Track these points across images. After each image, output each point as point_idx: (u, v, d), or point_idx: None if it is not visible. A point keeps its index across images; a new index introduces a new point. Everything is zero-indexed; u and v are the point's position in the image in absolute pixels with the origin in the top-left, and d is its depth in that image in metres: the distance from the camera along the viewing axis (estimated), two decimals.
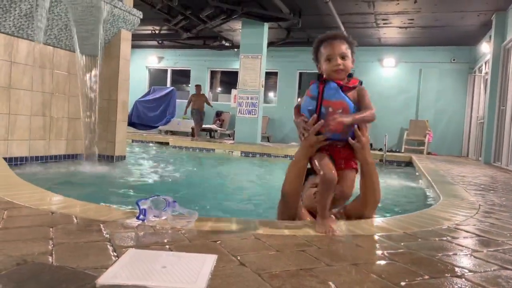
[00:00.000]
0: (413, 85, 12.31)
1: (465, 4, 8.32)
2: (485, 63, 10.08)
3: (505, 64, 8.39)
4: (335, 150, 1.89)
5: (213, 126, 13.15)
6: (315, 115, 1.83)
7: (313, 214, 2.11)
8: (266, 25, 10.54)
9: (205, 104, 11.62)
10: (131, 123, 11.02)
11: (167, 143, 10.42)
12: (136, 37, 9.66)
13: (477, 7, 8.44)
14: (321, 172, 1.81)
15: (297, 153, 1.97)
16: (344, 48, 1.90)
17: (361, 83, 1.92)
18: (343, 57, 1.88)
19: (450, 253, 1.65)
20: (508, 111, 7.75)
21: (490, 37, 9.07)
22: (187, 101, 12.05)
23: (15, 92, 4.80)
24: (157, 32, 12.64)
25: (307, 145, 1.88)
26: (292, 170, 1.99)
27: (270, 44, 11.58)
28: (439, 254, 1.60)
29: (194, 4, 9.50)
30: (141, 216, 1.74)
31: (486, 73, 9.70)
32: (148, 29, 12.44)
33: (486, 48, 9.68)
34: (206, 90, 14.06)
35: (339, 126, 1.77)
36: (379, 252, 1.59)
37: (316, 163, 1.86)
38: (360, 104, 1.84)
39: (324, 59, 1.90)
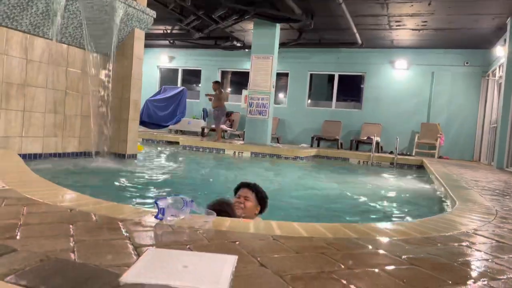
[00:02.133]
0: (425, 88, 12.19)
1: (480, 7, 8.23)
2: (499, 67, 9.96)
3: None
4: None
5: (223, 127, 13.16)
6: None
7: None
8: (278, 26, 10.51)
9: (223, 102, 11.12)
10: (141, 122, 11.03)
11: (177, 143, 10.46)
12: (148, 36, 9.70)
13: (492, 10, 8.34)
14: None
15: None
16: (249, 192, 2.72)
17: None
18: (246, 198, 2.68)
19: (471, 259, 1.62)
20: None
21: (505, 40, 8.96)
22: (199, 100, 12.00)
23: (30, 89, 4.85)
24: (169, 31, 12.69)
25: None
26: None
27: (282, 45, 11.56)
28: (460, 260, 1.58)
29: (207, 4, 9.52)
30: (160, 215, 1.74)
31: (500, 77, 9.58)
32: (160, 29, 12.49)
33: (500, 51, 9.55)
34: None
35: None
36: (398, 257, 1.57)
37: None
38: None
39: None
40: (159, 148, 9.44)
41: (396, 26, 10.10)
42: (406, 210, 4.09)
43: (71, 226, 1.60)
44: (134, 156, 6.13)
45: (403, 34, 10.79)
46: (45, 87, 5.06)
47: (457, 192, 3.85)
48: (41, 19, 4.74)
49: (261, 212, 2.79)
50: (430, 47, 11.84)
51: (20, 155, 4.50)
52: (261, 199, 2.76)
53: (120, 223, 1.70)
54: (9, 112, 4.63)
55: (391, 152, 10.81)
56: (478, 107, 11.66)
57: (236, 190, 2.82)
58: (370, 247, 1.67)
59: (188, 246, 1.47)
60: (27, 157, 4.80)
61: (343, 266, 1.38)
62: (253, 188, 2.77)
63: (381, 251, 1.63)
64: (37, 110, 4.98)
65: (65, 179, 4.01)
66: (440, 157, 11.17)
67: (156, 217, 1.75)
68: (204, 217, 1.82)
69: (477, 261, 1.60)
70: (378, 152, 10.90)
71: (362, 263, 1.44)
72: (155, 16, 6.16)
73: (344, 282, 1.22)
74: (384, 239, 1.83)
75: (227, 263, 1.29)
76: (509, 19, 8.60)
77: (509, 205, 3.25)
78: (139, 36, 6.05)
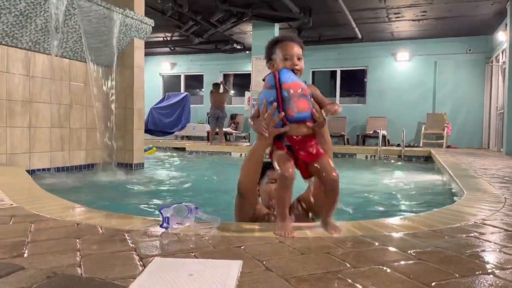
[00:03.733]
0: (428, 78, 12.12)
1: None
2: (502, 52, 9.88)
3: None
4: (294, 141, 1.79)
5: (228, 129, 13.18)
6: (275, 104, 1.76)
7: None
8: (277, 26, 10.53)
9: (224, 104, 11.23)
10: (147, 130, 11.11)
11: (184, 149, 10.50)
12: (148, 44, 9.76)
13: None
14: (279, 171, 1.73)
15: (253, 146, 1.94)
16: (300, 51, 1.90)
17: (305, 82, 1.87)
18: (299, 58, 1.88)
19: (479, 250, 1.61)
20: None
21: (506, 25, 8.88)
22: (203, 105, 12.06)
23: (35, 105, 4.91)
24: (169, 38, 12.76)
25: (264, 136, 1.81)
26: (249, 163, 1.97)
27: None
28: (468, 252, 1.57)
29: (204, 9, 9.56)
30: (165, 224, 1.75)
31: (504, 62, 9.50)
32: (160, 36, 12.56)
33: (502, 36, 9.48)
34: None
35: (336, 113, 1.78)
36: (405, 252, 1.56)
37: (275, 161, 1.79)
38: (318, 98, 1.86)
39: (282, 58, 1.87)
40: (166, 155, 9.48)
41: (395, 18, 10.06)
42: (415, 203, 4.07)
43: (77, 240, 1.62)
44: (141, 165, 6.16)
45: (403, 25, 10.74)
46: (49, 102, 5.11)
47: (466, 181, 3.82)
48: (40, 35, 4.79)
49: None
50: (431, 36, 11.77)
51: (28, 171, 4.55)
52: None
53: (126, 235, 1.71)
54: (15, 129, 4.68)
55: (398, 145, 10.75)
56: (483, 93, 11.57)
57: (271, 49, 1.94)
58: (376, 243, 1.67)
59: (193, 254, 1.47)
60: (35, 172, 4.85)
61: (348, 265, 1.37)
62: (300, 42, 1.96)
63: (387, 247, 1.62)
64: (42, 126, 5.03)
65: (73, 192, 4.05)
66: (448, 147, 11.09)
67: (161, 226, 1.77)
68: (209, 224, 1.82)
69: (485, 252, 1.59)
70: (385, 146, 10.86)
71: (368, 261, 1.44)
72: (153, 24, 6.20)
73: (350, 281, 1.22)
74: (391, 235, 1.82)
75: (232, 269, 1.29)
76: (508, 3, 8.53)
77: None
78: (139, 45, 6.09)
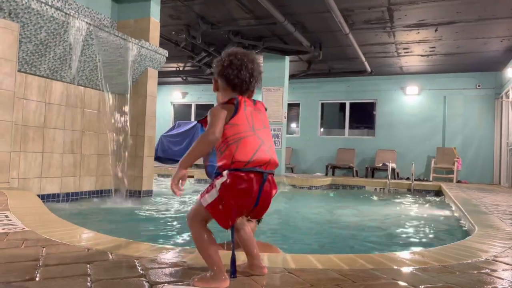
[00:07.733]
0: (438, 112, 12.15)
1: (486, 31, 8.29)
2: None
3: None
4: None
5: None
6: None
7: None
8: (287, 58, 10.73)
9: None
10: (156, 158, 11.16)
11: (192, 177, 10.51)
12: (161, 74, 9.96)
13: (500, 33, 8.39)
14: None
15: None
16: None
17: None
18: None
19: (490, 287, 1.59)
20: None
21: None
22: None
23: (49, 131, 5.00)
24: (181, 69, 13.02)
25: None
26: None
27: (292, 76, 11.75)
28: None
29: (217, 41, 9.80)
30: None
31: None
32: (172, 66, 12.83)
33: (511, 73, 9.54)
34: None
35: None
36: (415, 287, 1.54)
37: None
38: None
39: None
40: None
41: (404, 53, 10.20)
42: (424, 237, 4.01)
43: (88, 265, 1.63)
44: (150, 193, 6.19)
45: (412, 60, 10.87)
46: (63, 128, 5.20)
47: (477, 217, 3.77)
48: (59, 64, 4.94)
49: None
50: (440, 71, 11.88)
51: (39, 195, 4.59)
52: None
53: (136, 261, 1.72)
54: (28, 154, 4.76)
55: (408, 178, 10.67)
56: (493, 129, 11.53)
57: None
58: (386, 277, 1.65)
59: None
60: (46, 197, 4.89)
61: None
62: None
63: (397, 282, 1.61)
64: (55, 151, 5.11)
65: (82, 218, 4.07)
66: (458, 182, 10.97)
67: None
68: None
69: None
70: (395, 179, 10.78)
71: None
72: (167, 55, 6.36)
73: None
74: (401, 269, 1.80)
75: None
76: None
77: None
78: (152, 74, 6.23)
